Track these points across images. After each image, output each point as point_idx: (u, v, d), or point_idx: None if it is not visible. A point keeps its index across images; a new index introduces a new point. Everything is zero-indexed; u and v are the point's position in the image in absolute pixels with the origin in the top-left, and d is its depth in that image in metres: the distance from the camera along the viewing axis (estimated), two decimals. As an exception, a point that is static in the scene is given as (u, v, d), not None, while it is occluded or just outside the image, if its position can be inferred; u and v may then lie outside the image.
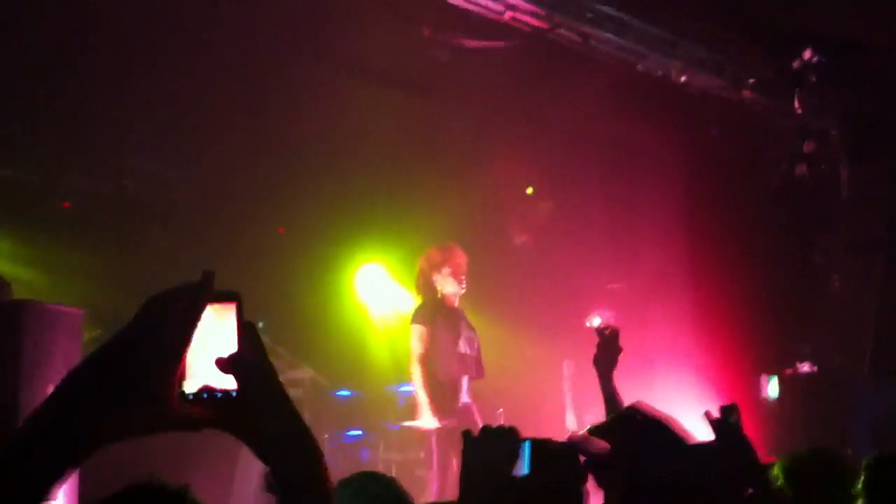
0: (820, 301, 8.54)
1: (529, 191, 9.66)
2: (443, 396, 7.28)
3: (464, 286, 7.56)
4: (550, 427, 7.76)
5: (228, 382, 1.33)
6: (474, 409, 7.42)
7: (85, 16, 7.12)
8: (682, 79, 8.10)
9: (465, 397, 7.42)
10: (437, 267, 7.56)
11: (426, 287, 7.62)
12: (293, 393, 8.51)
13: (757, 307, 8.32)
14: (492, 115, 8.91)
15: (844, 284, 8.50)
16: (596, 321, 8.07)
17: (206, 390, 1.32)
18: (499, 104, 8.76)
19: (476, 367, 7.53)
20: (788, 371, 8.00)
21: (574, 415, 8.25)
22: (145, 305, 1.31)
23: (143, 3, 7.28)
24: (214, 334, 1.35)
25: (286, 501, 1.34)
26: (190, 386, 1.32)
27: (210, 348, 1.34)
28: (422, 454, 8.20)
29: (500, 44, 7.54)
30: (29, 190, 8.58)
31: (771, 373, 7.95)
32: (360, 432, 8.48)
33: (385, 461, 8.19)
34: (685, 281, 8.43)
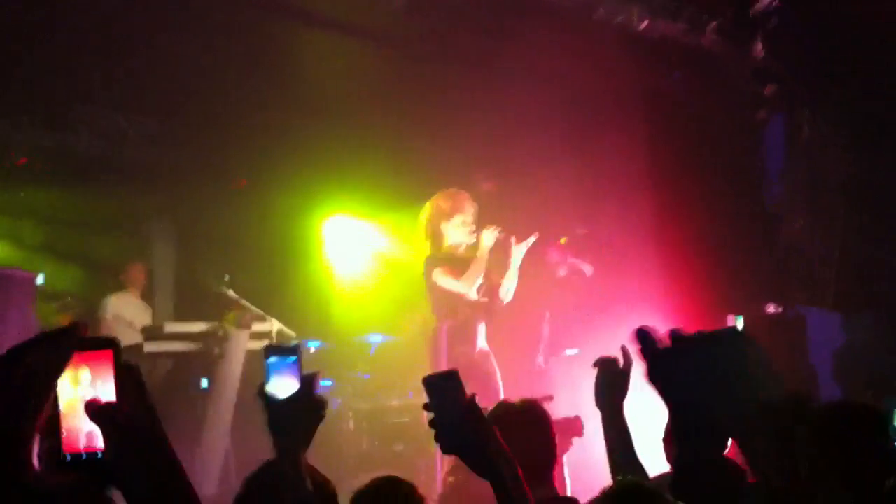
0: (783, 242, 8.65)
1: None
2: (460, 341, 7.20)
3: (473, 235, 7.39)
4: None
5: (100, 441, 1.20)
6: (491, 355, 7.32)
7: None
8: (643, 25, 8.09)
9: (480, 343, 7.34)
10: (445, 215, 7.42)
11: (434, 236, 7.46)
12: (261, 345, 8.49)
13: (721, 249, 8.42)
14: (452, 65, 8.84)
15: (806, 225, 8.61)
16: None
17: (72, 453, 1.20)
18: (458, 54, 8.69)
19: (486, 314, 7.40)
20: (754, 311, 8.11)
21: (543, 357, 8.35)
22: None
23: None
24: (91, 389, 1.20)
25: None
26: (65, 448, 1.21)
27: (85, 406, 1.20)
28: (393, 402, 8.24)
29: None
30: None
31: (737, 314, 8.05)
32: (329, 382, 8.46)
33: (355, 410, 8.22)
34: (649, 224, 8.48)
